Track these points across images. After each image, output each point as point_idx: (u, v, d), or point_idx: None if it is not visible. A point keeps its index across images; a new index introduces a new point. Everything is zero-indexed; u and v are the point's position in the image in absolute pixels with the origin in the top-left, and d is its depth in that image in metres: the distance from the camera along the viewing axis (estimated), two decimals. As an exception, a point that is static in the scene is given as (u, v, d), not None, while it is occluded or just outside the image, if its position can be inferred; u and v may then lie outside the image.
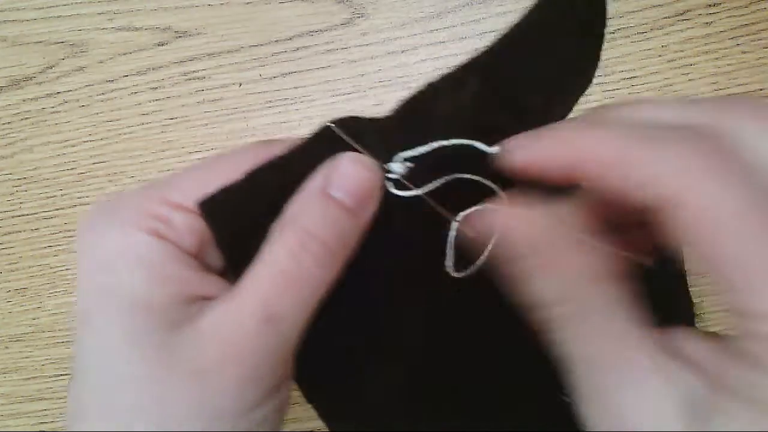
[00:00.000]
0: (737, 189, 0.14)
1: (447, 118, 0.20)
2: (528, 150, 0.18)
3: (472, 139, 0.19)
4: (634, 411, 0.15)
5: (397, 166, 0.20)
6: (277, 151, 0.20)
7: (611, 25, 0.37)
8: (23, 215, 0.39)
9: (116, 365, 0.17)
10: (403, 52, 0.38)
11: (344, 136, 0.20)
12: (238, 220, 0.19)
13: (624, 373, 0.15)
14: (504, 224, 0.18)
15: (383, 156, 0.20)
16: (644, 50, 0.37)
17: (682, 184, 0.14)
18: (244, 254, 0.18)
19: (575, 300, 0.16)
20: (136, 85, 0.39)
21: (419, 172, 0.19)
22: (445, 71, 0.19)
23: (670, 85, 0.37)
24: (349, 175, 0.19)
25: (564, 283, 0.17)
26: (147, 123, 0.39)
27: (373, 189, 0.19)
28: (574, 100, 0.23)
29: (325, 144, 0.20)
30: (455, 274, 0.20)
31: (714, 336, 0.16)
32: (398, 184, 0.20)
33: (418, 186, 0.19)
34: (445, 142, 0.19)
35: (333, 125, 0.20)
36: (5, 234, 0.39)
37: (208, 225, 0.18)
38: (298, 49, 0.38)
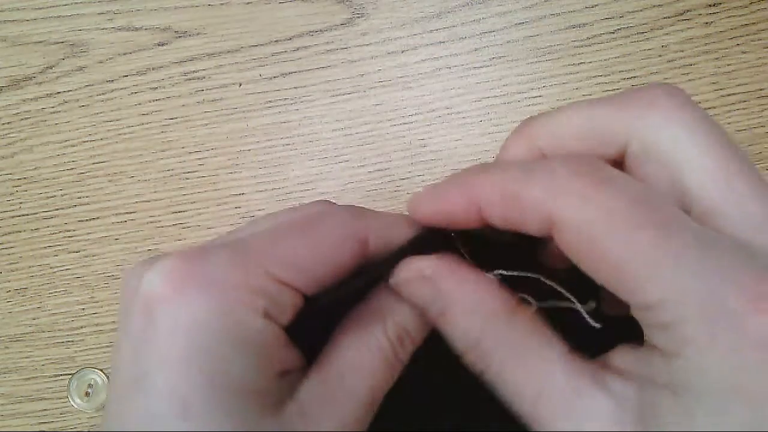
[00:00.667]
0: (599, 195, 0.15)
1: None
2: (429, 202, 0.19)
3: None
4: (572, 425, 0.16)
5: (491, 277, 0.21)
6: (365, 224, 0.20)
7: (611, 25, 0.37)
8: (23, 215, 0.39)
9: None
10: (403, 52, 0.38)
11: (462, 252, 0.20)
12: (337, 305, 0.19)
13: (555, 400, 0.16)
14: (416, 276, 0.19)
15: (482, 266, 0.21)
16: (644, 50, 0.37)
17: (552, 208, 0.16)
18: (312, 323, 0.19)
19: (493, 335, 0.17)
20: (136, 85, 0.39)
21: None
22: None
23: (670, 85, 0.37)
24: (445, 278, 0.19)
25: (479, 322, 0.18)
26: (147, 123, 0.39)
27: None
28: None
29: (428, 242, 0.20)
30: None
31: (638, 343, 0.16)
32: None
33: None
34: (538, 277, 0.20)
35: (453, 235, 0.20)
36: (5, 234, 0.39)
37: (318, 309, 0.19)
38: (298, 49, 0.38)
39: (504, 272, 0.20)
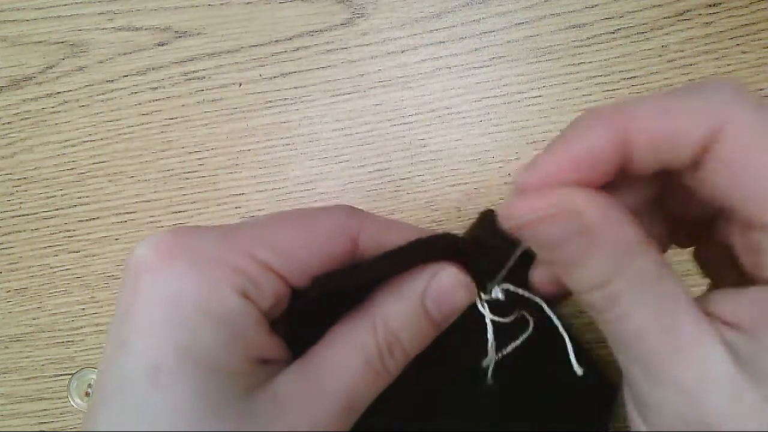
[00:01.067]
0: None
1: None
2: (567, 144, 0.17)
3: None
4: (691, 376, 0.15)
5: (498, 291, 0.21)
6: (358, 223, 0.19)
7: (611, 25, 0.37)
8: (23, 215, 0.39)
9: (189, 429, 0.16)
10: (403, 52, 0.38)
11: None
12: (331, 303, 0.19)
13: (678, 340, 0.15)
14: (549, 208, 0.16)
15: (483, 276, 0.21)
16: (644, 50, 0.37)
17: (724, 113, 0.14)
18: (307, 320, 0.19)
19: (628, 273, 0.15)
20: (136, 85, 0.39)
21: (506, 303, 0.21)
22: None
23: (670, 85, 0.37)
24: (448, 292, 0.19)
25: (617, 257, 0.15)
26: (147, 123, 0.39)
27: (461, 310, 0.20)
28: None
29: (431, 249, 0.20)
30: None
31: (747, 288, 0.15)
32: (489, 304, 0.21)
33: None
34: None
35: (459, 237, 0.20)
36: (5, 234, 0.39)
37: (310, 294, 0.18)
38: (298, 49, 0.38)
39: (511, 287, 0.20)
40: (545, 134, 0.37)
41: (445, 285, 0.19)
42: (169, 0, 0.39)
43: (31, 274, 0.39)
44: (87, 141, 0.39)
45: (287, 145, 0.38)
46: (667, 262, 0.16)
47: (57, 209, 0.39)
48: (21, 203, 0.39)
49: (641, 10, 0.37)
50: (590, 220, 0.15)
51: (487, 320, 0.20)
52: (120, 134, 0.39)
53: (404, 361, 0.19)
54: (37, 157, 0.39)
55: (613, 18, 0.37)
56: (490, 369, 0.21)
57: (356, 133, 0.38)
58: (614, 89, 0.37)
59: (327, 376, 0.18)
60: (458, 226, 0.37)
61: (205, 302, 0.17)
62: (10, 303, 0.39)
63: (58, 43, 0.39)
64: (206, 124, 0.38)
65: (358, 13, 0.38)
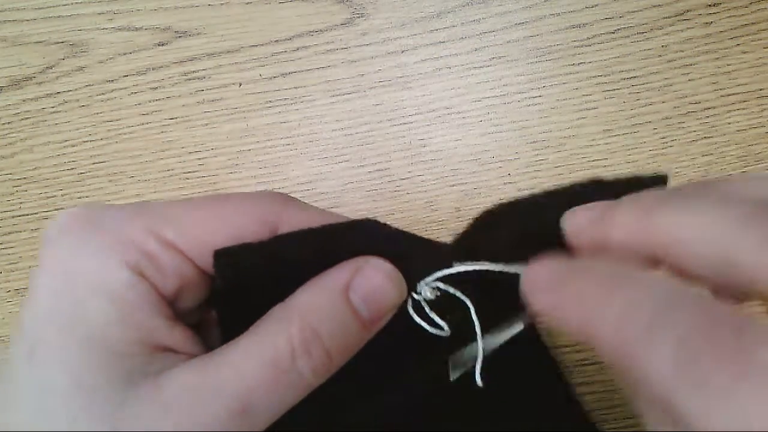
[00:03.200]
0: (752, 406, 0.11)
1: (486, 251, 0.18)
2: (600, 226, 0.16)
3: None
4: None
5: (427, 291, 0.18)
6: (279, 211, 0.18)
7: (611, 25, 0.37)
8: (23, 215, 0.39)
9: (56, 412, 0.15)
10: (403, 52, 0.38)
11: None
12: (248, 281, 0.17)
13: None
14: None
15: (415, 275, 0.18)
16: (644, 50, 0.37)
17: (670, 394, 0.12)
18: (241, 318, 0.17)
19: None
20: (136, 85, 0.39)
21: (443, 300, 0.18)
22: (488, 209, 0.18)
23: (670, 85, 0.37)
24: (374, 285, 0.17)
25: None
26: (147, 123, 0.39)
27: (393, 308, 0.18)
28: None
29: (359, 236, 0.18)
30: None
31: None
32: (419, 306, 0.18)
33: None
34: (476, 266, 0.18)
35: (377, 222, 0.18)
36: (5, 234, 0.39)
37: (218, 277, 0.17)
38: (298, 49, 0.38)
39: (441, 285, 0.18)
40: (545, 134, 0.37)
41: (372, 279, 0.17)
42: (169, 0, 0.39)
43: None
44: (87, 141, 0.39)
45: (287, 145, 0.38)
46: None
47: (57, 209, 0.39)
48: (21, 203, 0.39)
49: (641, 10, 0.37)
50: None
51: (419, 322, 0.18)
52: (120, 134, 0.39)
53: (325, 363, 0.16)
54: (37, 157, 0.39)
55: (613, 18, 0.37)
56: (451, 372, 0.20)
57: (356, 133, 0.38)
58: (614, 89, 0.37)
59: (223, 374, 0.15)
60: (458, 226, 0.37)
61: (93, 274, 0.16)
62: (10, 303, 0.39)
63: (58, 43, 0.39)
64: (206, 124, 0.38)
65: (358, 13, 0.38)
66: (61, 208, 0.39)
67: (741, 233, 0.13)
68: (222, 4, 0.39)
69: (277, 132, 0.38)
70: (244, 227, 0.17)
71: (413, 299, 0.19)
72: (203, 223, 0.17)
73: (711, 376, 0.11)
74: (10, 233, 0.39)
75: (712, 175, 0.37)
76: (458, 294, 0.18)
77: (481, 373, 0.19)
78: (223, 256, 0.17)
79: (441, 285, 0.18)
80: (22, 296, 0.39)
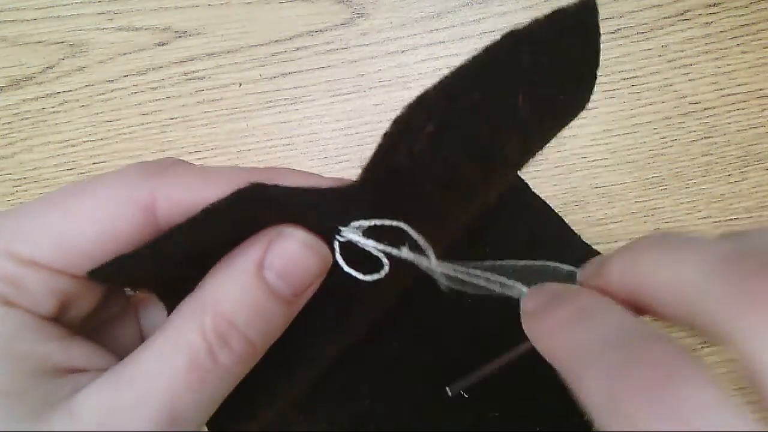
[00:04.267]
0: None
1: (403, 171, 0.16)
2: (600, 275, 0.16)
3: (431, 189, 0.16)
4: None
5: (353, 235, 0.16)
6: (149, 185, 0.15)
7: (611, 25, 0.37)
8: (23, 215, 0.39)
9: None
10: (403, 52, 0.38)
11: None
12: (155, 277, 0.15)
13: None
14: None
15: (332, 230, 0.16)
16: (644, 50, 0.37)
17: (598, 420, 0.12)
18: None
19: None
20: (136, 85, 0.39)
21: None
22: (398, 113, 0.16)
23: (670, 85, 0.37)
24: (291, 258, 0.15)
25: None
26: (147, 123, 0.39)
27: (317, 277, 0.16)
28: (557, 131, 0.21)
29: (249, 208, 0.15)
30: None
31: None
32: (349, 252, 0.16)
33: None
34: (399, 225, 0.16)
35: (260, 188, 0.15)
36: (5, 234, 0.39)
37: (105, 282, 0.15)
38: (298, 49, 0.38)
39: (364, 222, 0.16)
40: (545, 134, 0.37)
41: (287, 250, 0.15)
42: (169, 0, 0.39)
43: (31, 274, 0.39)
44: (87, 141, 0.39)
45: (287, 145, 0.38)
46: None
47: (57, 209, 0.39)
48: (21, 203, 0.39)
49: (641, 10, 0.37)
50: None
51: (351, 272, 0.16)
52: (120, 134, 0.39)
53: (248, 352, 0.15)
54: (37, 157, 0.39)
55: (613, 18, 0.37)
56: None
57: (356, 133, 0.38)
58: (614, 89, 0.37)
59: (140, 384, 0.14)
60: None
61: None
62: (10, 303, 0.39)
63: (58, 43, 0.39)
64: (206, 124, 0.38)
65: (358, 13, 0.38)
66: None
67: (705, 285, 0.12)
68: (222, 4, 0.39)
69: (277, 132, 0.38)
70: (113, 218, 0.15)
71: (339, 242, 0.16)
72: (61, 227, 0.15)
73: (628, 408, 0.11)
74: (10, 233, 0.39)
75: (713, 175, 0.37)
76: (386, 222, 0.16)
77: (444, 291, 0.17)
78: (99, 274, 0.15)
79: (364, 222, 0.16)
80: (22, 296, 0.39)
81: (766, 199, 0.36)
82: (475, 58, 0.15)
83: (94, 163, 0.39)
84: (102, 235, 0.15)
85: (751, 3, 0.37)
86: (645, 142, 0.37)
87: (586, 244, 0.32)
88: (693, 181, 0.37)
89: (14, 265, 0.14)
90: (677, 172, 0.37)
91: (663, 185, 0.37)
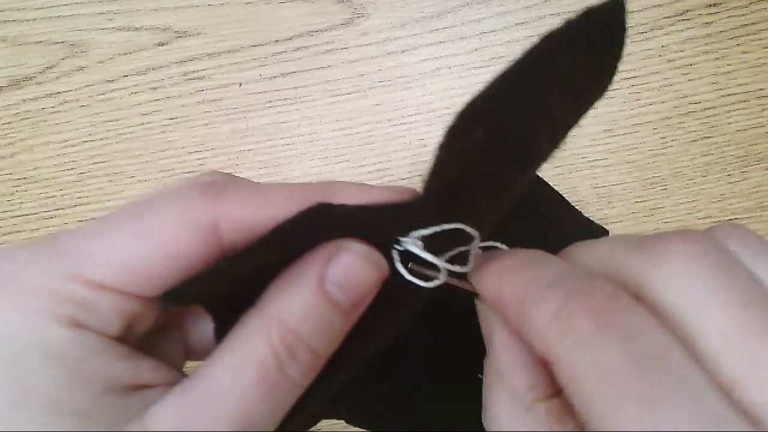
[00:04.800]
0: (605, 350, 0.13)
1: (459, 180, 0.17)
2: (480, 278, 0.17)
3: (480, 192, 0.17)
4: None
5: (410, 244, 0.17)
6: (213, 206, 0.16)
7: (611, 25, 0.37)
8: (23, 215, 0.39)
9: None
10: (403, 52, 0.38)
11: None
12: (218, 296, 0.16)
13: None
14: None
15: (388, 243, 0.17)
16: (644, 50, 0.37)
17: (546, 346, 0.14)
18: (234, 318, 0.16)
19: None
20: (136, 85, 0.39)
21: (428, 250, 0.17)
22: (449, 123, 0.17)
23: (670, 85, 0.37)
24: (350, 270, 0.16)
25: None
26: (147, 123, 0.39)
27: (375, 288, 0.17)
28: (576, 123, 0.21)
29: (313, 226, 0.16)
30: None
31: None
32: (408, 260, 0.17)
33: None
34: (459, 226, 0.17)
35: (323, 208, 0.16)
36: (5, 234, 0.39)
37: (176, 304, 0.16)
38: (298, 49, 0.38)
39: (425, 231, 0.17)
40: (545, 134, 0.37)
41: (348, 263, 0.16)
42: (169, 0, 0.39)
43: (31, 274, 0.39)
44: (87, 141, 0.39)
45: (287, 145, 0.38)
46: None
47: (57, 209, 0.39)
48: (21, 203, 0.39)
49: (641, 10, 0.37)
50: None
51: (410, 278, 0.17)
52: (120, 134, 0.39)
53: (313, 363, 0.16)
54: (37, 157, 0.39)
55: (613, 18, 0.37)
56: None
57: (356, 133, 0.38)
58: (614, 89, 0.37)
59: (213, 398, 0.15)
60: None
61: (28, 340, 0.14)
62: (10, 303, 0.39)
63: (58, 43, 0.39)
64: (206, 124, 0.38)
65: (358, 13, 0.38)
66: (61, 208, 0.39)
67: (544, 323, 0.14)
68: (222, 4, 0.39)
69: (277, 132, 0.38)
70: (179, 241, 0.15)
71: (398, 251, 0.17)
72: (130, 251, 0.15)
73: (577, 326, 0.13)
74: (10, 233, 0.39)
75: (713, 176, 0.37)
76: (445, 227, 0.17)
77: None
78: (172, 296, 0.15)
79: (425, 231, 0.17)
80: (22, 296, 0.39)
81: (765, 199, 0.36)
82: (516, 62, 0.16)
83: (94, 163, 0.39)
84: (168, 258, 0.15)
85: (751, 3, 0.37)
86: (645, 142, 0.37)
87: (600, 227, 0.32)
88: (693, 181, 0.37)
89: (86, 290, 0.15)
90: (677, 172, 0.37)
91: (663, 185, 0.37)
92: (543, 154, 0.18)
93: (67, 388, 0.14)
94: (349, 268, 0.16)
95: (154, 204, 0.16)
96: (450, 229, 0.17)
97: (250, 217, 0.16)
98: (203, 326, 0.20)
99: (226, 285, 0.16)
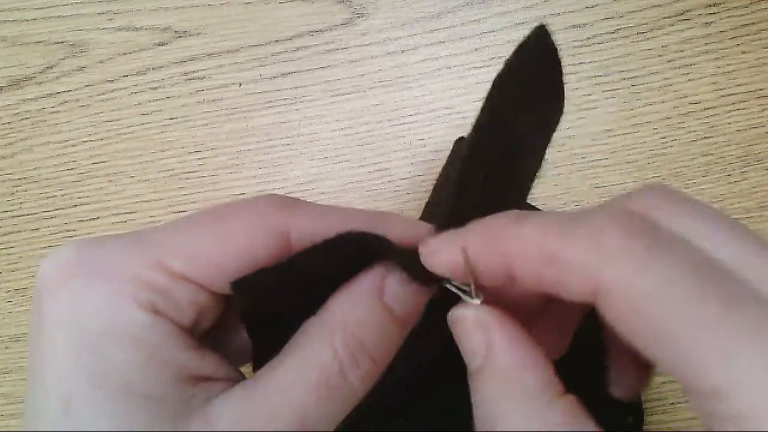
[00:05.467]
0: (657, 262, 0.13)
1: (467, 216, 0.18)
2: (449, 251, 0.16)
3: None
4: None
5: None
6: (287, 215, 0.17)
7: (611, 25, 0.37)
8: (23, 215, 0.39)
9: None
10: (403, 52, 0.38)
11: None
12: (271, 303, 0.17)
13: None
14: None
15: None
16: (644, 50, 0.37)
17: (600, 273, 0.13)
18: (270, 338, 0.17)
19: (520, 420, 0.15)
20: (136, 85, 0.39)
21: None
22: (450, 170, 0.19)
23: (670, 85, 0.37)
24: (404, 285, 0.17)
25: (512, 399, 0.16)
26: (147, 123, 0.39)
27: (422, 305, 0.18)
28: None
29: (368, 244, 0.18)
30: None
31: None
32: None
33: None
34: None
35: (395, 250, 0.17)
36: (5, 234, 0.39)
37: (240, 305, 0.17)
38: (298, 49, 0.38)
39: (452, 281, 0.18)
40: (545, 134, 0.37)
41: (402, 279, 0.17)
42: (169, 0, 0.39)
43: (31, 274, 0.39)
44: (87, 141, 0.39)
45: (287, 145, 0.38)
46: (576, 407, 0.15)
47: (57, 209, 0.39)
48: (21, 203, 0.39)
49: (641, 10, 0.37)
50: (494, 339, 0.16)
51: (456, 291, 0.18)
52: (120, 134, 0.39)
53: (372, 370, 0.17)
54: (37, 157, 0.39)
55: (613, 18, 0.37)
56: None
57: (356, 133, 0.38)
58: (614, 89, 0.37)
59: (275, 401, 0.15)
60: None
61: (109, 322, 0.15)
62: (10, 303, 0.39)
63: (58, 43, 0.39)
64: (206, 124, 0.38)
65: (358, 13, 0.38)
66: (61, 208, 0.39)
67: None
68: (222, 4, 0.39)
69: (277, 132, 0.38)
70: (253, 242, 0.17)
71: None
72: (210, 247, 0.16)
73: (629, 247, 0.13)
74: (10, 233, 0.39)
75: (713, 176, 0.37)
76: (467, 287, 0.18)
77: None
78: (241, 286, 0.16)
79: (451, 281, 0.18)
80: (22, 296, 0.39)
81: (766, 199, 0.36)
82: (483, 109, 0.18)
83: (94, 163, 0.39)
84: (243, 258, 0.16)
85: (751, 3, 0.37)
86: (645, 142, 0.37)
87: None
88: (693, 181, 0.37)
89: (166, 278, 0.16)
90: (677, 172, 0.37)
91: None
92: (532, 173, 0.21)
93: (141, 372, 0.15)
94: (403, 282, 0.17)
95: (235, 208, 0.17)
96: None
97: (317, 231, 0.17)
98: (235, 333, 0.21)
99: (289, 284, 0.17)
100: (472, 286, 0.17)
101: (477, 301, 0.17)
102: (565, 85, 0.21)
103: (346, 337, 0.16)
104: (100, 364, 0.15)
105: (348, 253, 0.17)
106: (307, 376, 0.16)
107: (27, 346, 0.35)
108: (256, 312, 0.17)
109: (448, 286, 0.18)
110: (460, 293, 0.17)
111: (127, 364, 0.15)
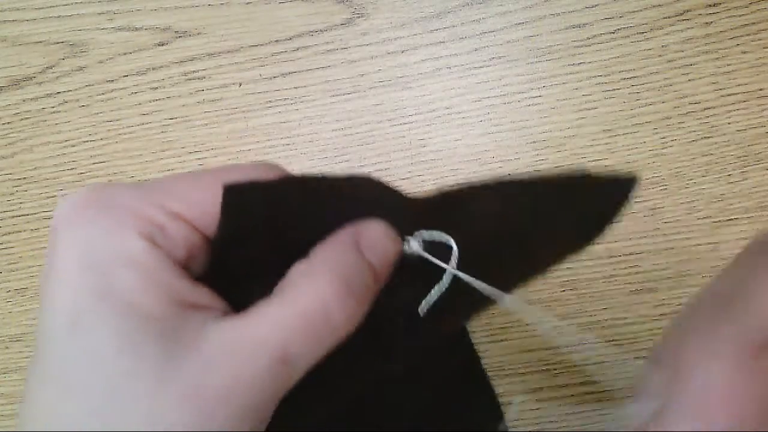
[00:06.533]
0: None
1: (475, 219, 0.20)
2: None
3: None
4: None
5: (416, 244, 0.20)
6: (276, 173, 0.20)
7: (611, 25, 0.37)
8: (23, 215, 0.39)
9: (107, 372, 0.16)
10: (403, 52, 0.38)
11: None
12: (254, 221, 0.18)
13: None
14: None
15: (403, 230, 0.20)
16: (644, 50, 0.37)
17: None
18: (242, 267, 0.18)
19: None
20: (136, 85, 0.39)
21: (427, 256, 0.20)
22: (478, 182, 0.20)
23: (670, 85, 0.37)
24: (379, 242, 0.19)
25: None
26: (147, 123, 0.39)
27: (394, 260, 0.20)
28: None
29: (354, 190, 0.19)
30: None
31: None
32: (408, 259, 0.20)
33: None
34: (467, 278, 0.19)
35: (373, 178, 0.19)
36: (5, 234, 0.39)
37: (222, 213, 0.18)
38: (298, 49, 0.38)
39: (425, 235, 0.20)
40: (545, 134, 0.37)
41: (376, 235, 0.19)
42: (169, 0, 0.39)
43: (31, 274, 0.39)
44: (87, 141, 0.39)
45: (287, 145, 0.38)
46: None
47: (57, 209, 0.39)
48: (21, 203, 0.39)
49: (641, 10, 0.37)
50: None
51: (426, 256, 0.20)
52: (120, 134, 0.39)
53: (356, 314, 0.18)
54: (37, 157, 0.39)
55: (613, 18, 0.37)
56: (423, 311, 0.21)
57: (356, 133, 0.38)
58: (614, 89, 0.37)
59: (264, 328, 0.17)
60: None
61: (113, 247, 0.17)
62: (10, 303, 0.39)
63: (58, 43, 0.39)
64: (206, 124, 0.38)
65: (358, 13, 0.38)
66: (61, 208, 0.39)
67: None
68: (222, 4, 0.39)
69: (277, 132, 0.38)
70: None
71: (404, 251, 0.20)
72: (208, 194, 0.18)
73: None
74: (10, 233, 0.39)
75: (713, 176, 0.37)
76: (443, 238, 0.20)
77: (430, 308, 0.20)
78: (232, 191, 0.18)
79: (425, 234, 0.20)
80: (22, 296, 0.39)
81: (765, 200, 0.36)
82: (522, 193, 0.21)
83: (94, 163, 0.39)
84: None
85: (751, 3, 0.37)
86: (645, 142, 0.37)
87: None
88: (693, 181, 0.37)
89: (164, 215, 0.18)
90: (677, 172, 0.37)
91: (663, 185, 0.37)
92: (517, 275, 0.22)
93: (142, 293, 0.16)
94: (376, 235, 0.19)
95: (235, 168, 0.19)
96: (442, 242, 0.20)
97: None
98: None
99: (274, 207, 0.19)
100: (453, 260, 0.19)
101: (450, 267, 0.19)
102: (605, 232, 0.22)
103: (333, 278, 0.18)
104: (106, 284, 0.16)
105: (334, 193, 0.19)
106: (295, 312, 0.17)
107: (27, 344, 0.35)
108: (233, 239, 0.18)
109: (423, 253, 0.19)
110: (432, 258, 0.19)
111: (127, 283, 0.16)
